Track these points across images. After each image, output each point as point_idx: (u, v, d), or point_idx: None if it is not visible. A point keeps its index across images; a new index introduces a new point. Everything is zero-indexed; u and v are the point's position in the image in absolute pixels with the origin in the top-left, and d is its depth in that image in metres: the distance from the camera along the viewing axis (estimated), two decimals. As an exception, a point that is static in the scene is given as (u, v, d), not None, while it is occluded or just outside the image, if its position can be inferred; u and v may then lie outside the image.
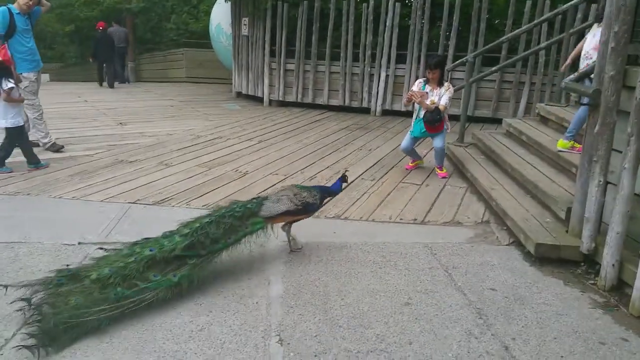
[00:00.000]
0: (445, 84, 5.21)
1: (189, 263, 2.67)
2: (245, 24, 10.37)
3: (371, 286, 2.96)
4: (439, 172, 5.31)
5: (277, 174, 5.24)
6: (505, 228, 3.89)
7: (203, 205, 4.18)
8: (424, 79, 5.30)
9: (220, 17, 11.71)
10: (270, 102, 10.07)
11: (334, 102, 9.56)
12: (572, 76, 3.32)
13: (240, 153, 6.11)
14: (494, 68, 6.96)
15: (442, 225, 4.01)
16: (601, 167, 3.00)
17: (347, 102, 9.49)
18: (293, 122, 8.36)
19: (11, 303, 2.44)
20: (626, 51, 2.85)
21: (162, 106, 9.91)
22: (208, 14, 13.42)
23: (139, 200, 4.30)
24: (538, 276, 3.16)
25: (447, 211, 4.28)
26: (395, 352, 2.34)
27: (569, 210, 3.49)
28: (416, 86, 5.27)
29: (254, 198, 3.24)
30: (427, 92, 5.09)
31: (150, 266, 2.57)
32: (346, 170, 3.64)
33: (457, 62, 6.71)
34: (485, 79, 7.50)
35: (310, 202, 3.26)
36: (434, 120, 5.08)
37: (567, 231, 3.46)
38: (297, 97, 9.79)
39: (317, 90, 9.64)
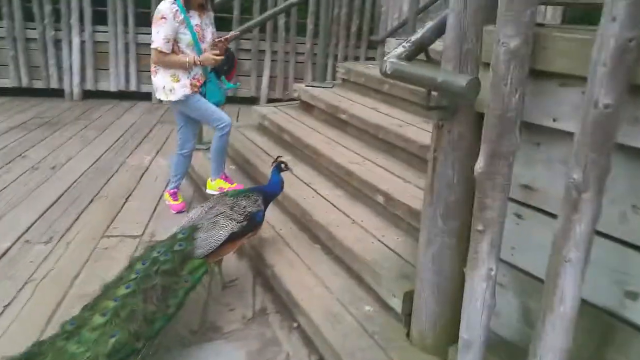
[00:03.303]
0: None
1: None
2: None
3: None
4: (221, 186, 3.28)
5: None
6: (296, 326, 2.17)
7: None
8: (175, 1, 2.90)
9: None
10: None
11: (4, 83, 6.28)
12: (399, 49, 1.62)
13: None
14: (232, 32, 5.08)
15: (187, 348, 2.04)
16: (493, 242, 1.45)
17: (25, 83, 6.35)
18: None
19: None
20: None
21: None
22: None
23: None
24: None
25: (197, 304, 2.30)
26: None
27: (407, 296, 1.94)
28: (172, 18, 2.82)
29: (176, 233, 2.11)
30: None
31: None
32: (279, 157, 2.59)
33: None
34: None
35: (255, 211, 2.33)
36: (232, 65, 3.37)
37: (407, 334, 1.93)
38: None
39: (-33, 66, 6.15)
